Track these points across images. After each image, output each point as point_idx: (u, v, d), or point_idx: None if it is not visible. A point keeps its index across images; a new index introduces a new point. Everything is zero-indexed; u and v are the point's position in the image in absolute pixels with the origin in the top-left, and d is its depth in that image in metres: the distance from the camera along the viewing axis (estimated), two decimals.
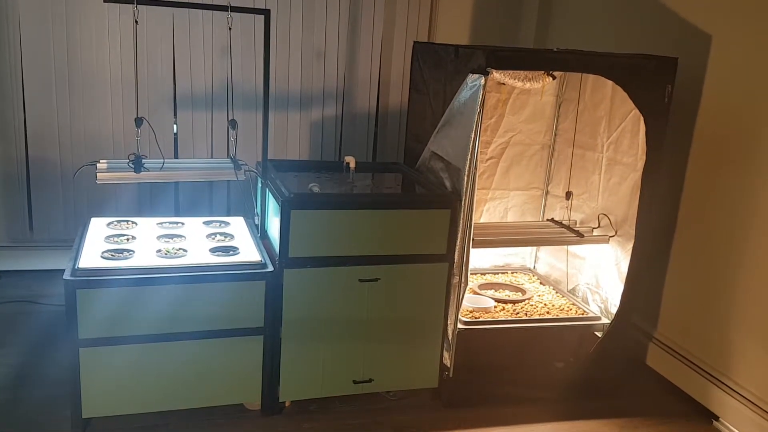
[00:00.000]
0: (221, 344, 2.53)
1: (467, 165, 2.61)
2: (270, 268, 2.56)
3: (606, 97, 3.07)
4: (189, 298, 2.45)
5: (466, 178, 2.63)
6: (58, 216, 3.93)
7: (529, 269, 3.66)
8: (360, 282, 2.63)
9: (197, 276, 2.47)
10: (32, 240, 3.97)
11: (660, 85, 2.72)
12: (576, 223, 3.26)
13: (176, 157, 3.96)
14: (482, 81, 2.53)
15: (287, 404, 2.76)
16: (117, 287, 2.37)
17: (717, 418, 2.86)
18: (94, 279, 2.35)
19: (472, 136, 2.58)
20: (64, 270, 2.37)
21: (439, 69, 2.96)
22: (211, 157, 4.02)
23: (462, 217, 2.67)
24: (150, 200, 4.02)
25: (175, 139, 3.98)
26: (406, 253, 2.68)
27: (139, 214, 3.87)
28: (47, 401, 2.66)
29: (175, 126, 3.97)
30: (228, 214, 3.52)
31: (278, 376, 2.64)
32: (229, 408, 2.68)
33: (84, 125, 3.83)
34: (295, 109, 4.15)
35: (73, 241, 2.70)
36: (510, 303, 3.13)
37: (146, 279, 2.40)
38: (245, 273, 2.53)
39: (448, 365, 2.80)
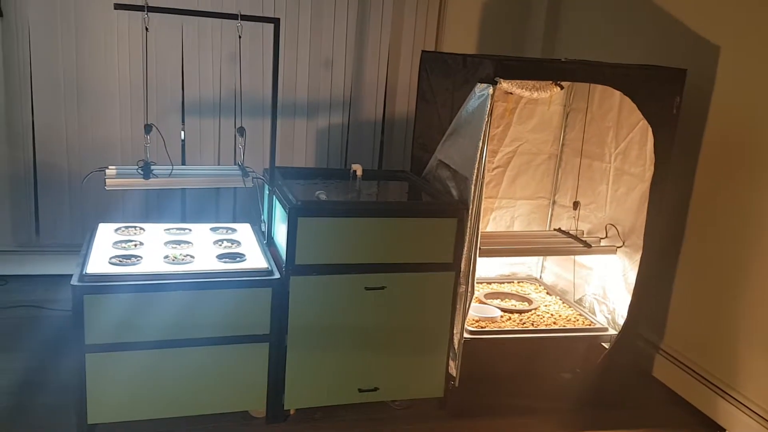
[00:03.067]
0: (227, 351, 2.53)
1: (474, 174, 2.61)
2: (276, 276, 2.56)
3: (614, 107, 3.07)
4: (195, 305, 2.45)
5: (473, 187, 2.62)
6: (64, 221, 3.94)
7: (536, 279, 3.65)
8: (366, 290, 2.63)
9: (204, 282, 2.47)
10: (39, 245, 3.97)
11: (668, 96, 2.72)
12: (583, 233, 3.25)
13: (183, 163, 3.97)
14: (490, 90, 2.54)
15: (292, 412, 2.76)
16: (124, 293, 2.37)
17: (724, 431, 2.84)
18: (102, 285, 2.36)
19: (480, 145, 2.58)
20: (70, 275, 2.37)
21: (447, 78, 2.96)
22: (219, 164, 4.03)
23: (469, 226, 2.67)
24: (157, 206, 4.03)
25: (183, 146, 4.00)
26: (413, 262, 2.67)
27: (146, 220, 3.87)
28: (53, 407, 2.65)
29: (182, 133, 3.98)
30: (234, 221, 3.52)
31: (283, 384, 2.63)
32: (234, 415, 2.67)
33: (92, 131, 3.85)
34: (302, 116, 4.15)
35: (79, 246, 2.71)
36: (516, 313, 3.12)
37: (153, 285, 2.41)
38: (252, 280, 2.53)
39: (454, 375, 2.79)
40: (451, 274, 2.72)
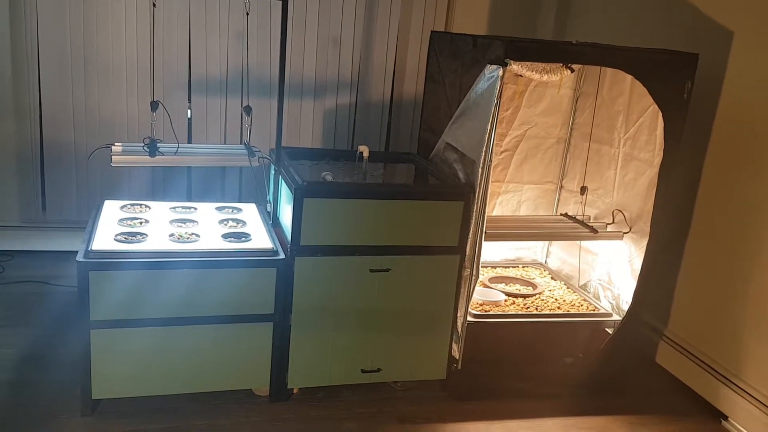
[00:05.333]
0: (231, 330, 2.53)
1: (482, 157, 2.59)
2: (281, 256, 2.56)
3: (624, 91, 3.04)
4: (200, 283, 2.46)
5: (480, 170, 2.61)
6: (70, 197, 3.95)
7: (541, 264, 3.64)
8: (371, 272, 2.62)
9: (209, 261, 2.47)
10: (45, 221, 3.99)
11: (680, 81, 2.68)
12: (590, 219, 3.24)
13: (189, 141, 3.96)
14: (500, 72, 2.51)
15: (295, 391, 2.77)
16: (129, 270, 2.37)
17: (726, 418, 2.84)
18: (107, 261, 2.36)
19: (488, 127, 2.55)
20: (76, 251, 2.37)
21: (456, 59, 2.93)
22: (224, 143, 4.02)
23: (475, 209, 2.66)
24: (163, 184, 4.03)
25: (189, 124, 3.98)
26: (418, 245, 2.67)
27: (152, 197, 3.88)
28: (57, 382, 2.67)
29: (189, 111, 3.97)
30: (240, 201, 3.52)
31: (287, 363, 2.65)
32: (237, 393, 2.69)
33: (98, 108, 3.84)
34: (309, 96, 4.13)
35: (85, 222, 2.71)
36: (520, 297, 3.12)
37: (158, 263, 2.41)
38: (257, 260, 2.53)
39: (457, 357, 2.80)
40: (456, 257, 2.71)
